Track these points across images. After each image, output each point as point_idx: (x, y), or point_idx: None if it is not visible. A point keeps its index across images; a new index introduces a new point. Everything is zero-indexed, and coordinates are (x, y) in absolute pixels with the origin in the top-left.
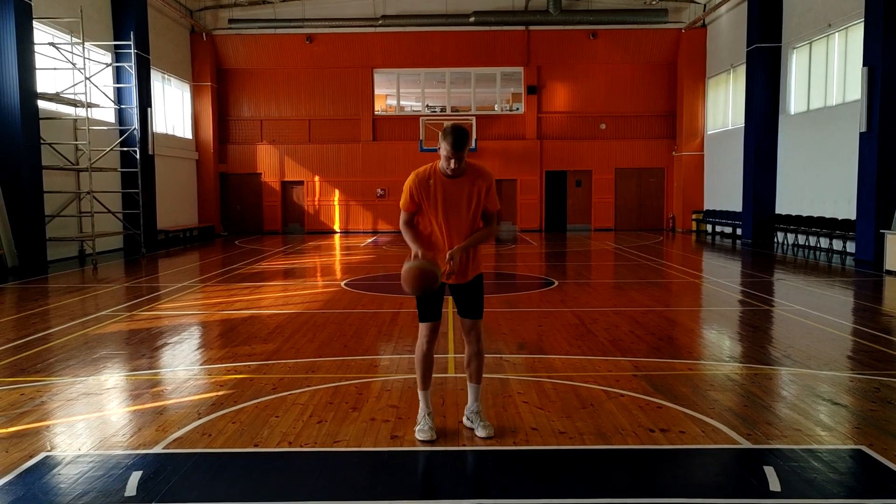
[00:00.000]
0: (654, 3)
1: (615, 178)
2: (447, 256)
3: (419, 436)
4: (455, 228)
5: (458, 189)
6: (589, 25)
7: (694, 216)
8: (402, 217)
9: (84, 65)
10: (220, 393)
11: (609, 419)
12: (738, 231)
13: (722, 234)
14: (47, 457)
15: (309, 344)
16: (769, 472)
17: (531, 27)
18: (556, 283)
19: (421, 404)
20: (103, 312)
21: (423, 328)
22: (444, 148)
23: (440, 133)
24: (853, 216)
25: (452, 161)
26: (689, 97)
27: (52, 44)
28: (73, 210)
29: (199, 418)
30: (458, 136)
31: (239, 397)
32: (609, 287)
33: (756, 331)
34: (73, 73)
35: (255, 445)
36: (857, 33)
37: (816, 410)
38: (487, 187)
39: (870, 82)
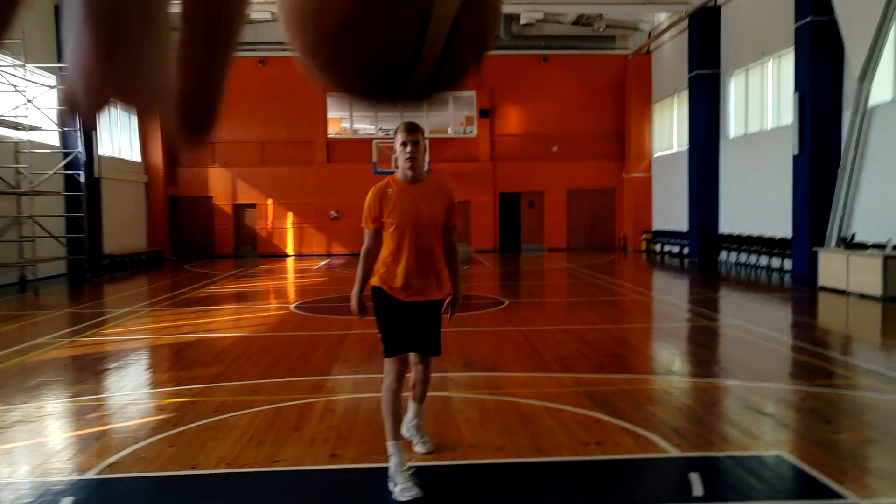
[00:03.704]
0: (601, 30)
1: (567, 199)
2: (447, 302)
3: (404, 496)
4: (417, 240)
5: (418, 195)
6: (540, 50)
7: (644, 236)
8: (366, 240)
9: (26, 87)
10: (161, 417)
11: (547, 434)
12: (686, 250)
13: (670, 253)
14: None
15: (254, 367)
16: (694, 478)
17: None
18: (507, 302)
19: (394, 459)
20: (42, 339)
21: (391, 364)
22: (399, 137)
23: (394, 132)
24: (790, 235)
25: (409, 146)
26: (636, 120)
27: None
28: (13, 235)
29: (137, 443)
30: (410, 122)
31: (179, 421)
32: (558, 306)
33: (696, 346)
34: (15, 96)
35: (193, 468)
36: (789, 60)
37: (744, 420)
38: (450, 196)
39: (801, 107)
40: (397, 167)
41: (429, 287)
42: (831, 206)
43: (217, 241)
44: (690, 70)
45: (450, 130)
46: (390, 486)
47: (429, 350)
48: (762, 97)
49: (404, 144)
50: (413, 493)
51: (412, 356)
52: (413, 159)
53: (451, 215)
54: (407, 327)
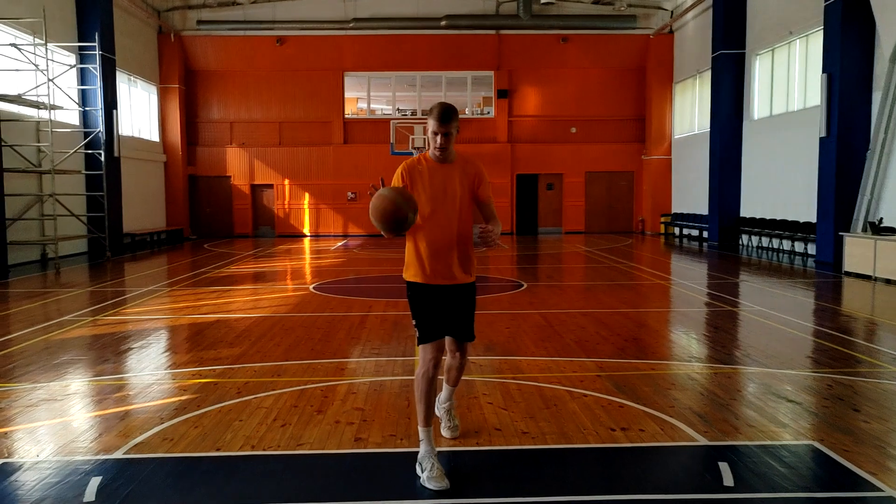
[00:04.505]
0: (623, 9)
1: (586, 182)
2: (477, 231)
3: (431, 484)
4: (445, 217)
5: (447, 175)
6: (559, 30)
7: (662, 219)
8: None
9: (47, 66)
10: (184, 397)
11: (571, 419)
12: (705, 234)
13: (689, 236)
14: (5, 463)
15: (276, 348)
16: (724, 468)
17: (502, 31)
18: (526, 285)
19: (424, 445)
20: (66, 317)
21: (426, 350)
22: (430, 125)
23: (428, 112)
24: (814, 219)
25: (440, 137)
26: (657, 101)
27: (13, 44)
28: (35, 213)
29: (162, 423)
30: (444, 108)
31: (203, 402)
32: (578, 289)
33: (718, 331)
34: (36, 75)
35: (217, 450)
36: (816, 41)
37: (772, 408)
38: (478, 175)
39: (828, 89)
40: (427, 146)
41: (459, 269)
42: (858, 189)
43: (236, 220)
44: (714, 50)
45: (467, 111)
46: (418, 470)
47: (463, 335)
48: (788, 78)
49: (435, 134)
50: (441, 484)
51: (448, 344)
52: (444, 149)
53: (483, 189)
54: (440, 311)
